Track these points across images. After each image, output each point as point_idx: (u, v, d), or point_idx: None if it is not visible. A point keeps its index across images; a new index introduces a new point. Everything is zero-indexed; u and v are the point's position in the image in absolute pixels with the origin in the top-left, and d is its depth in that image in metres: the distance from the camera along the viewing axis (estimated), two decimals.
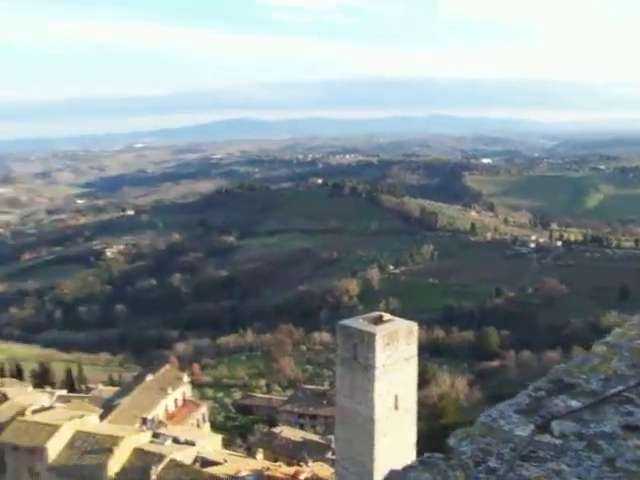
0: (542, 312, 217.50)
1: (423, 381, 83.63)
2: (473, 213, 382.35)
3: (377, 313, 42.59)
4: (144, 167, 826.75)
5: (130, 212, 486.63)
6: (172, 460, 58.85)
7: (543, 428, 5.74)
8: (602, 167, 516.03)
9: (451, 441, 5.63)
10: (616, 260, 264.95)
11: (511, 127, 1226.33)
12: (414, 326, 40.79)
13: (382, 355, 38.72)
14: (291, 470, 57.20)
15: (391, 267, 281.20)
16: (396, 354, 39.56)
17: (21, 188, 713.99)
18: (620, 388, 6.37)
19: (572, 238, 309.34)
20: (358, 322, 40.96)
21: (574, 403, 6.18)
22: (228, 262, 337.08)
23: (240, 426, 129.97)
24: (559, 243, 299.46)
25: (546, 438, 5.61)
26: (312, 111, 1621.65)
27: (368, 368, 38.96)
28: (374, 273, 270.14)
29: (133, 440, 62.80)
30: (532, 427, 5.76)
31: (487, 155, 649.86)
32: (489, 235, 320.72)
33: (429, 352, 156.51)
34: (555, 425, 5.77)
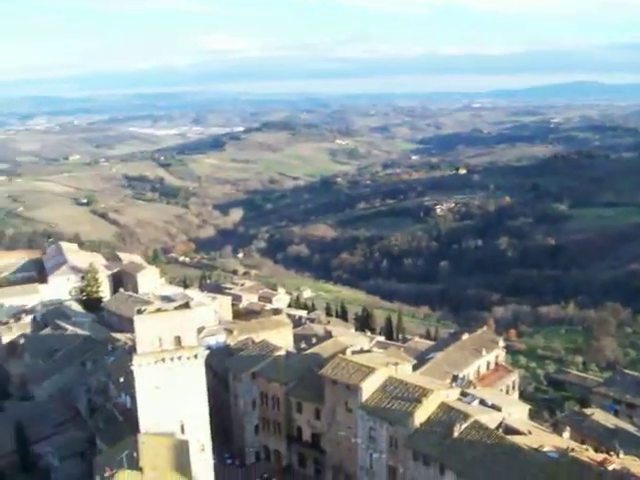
0: None
1: None
2: None
3: None
4: (480, 127, 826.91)
5: (462, 171, 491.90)
6: (476, 421, 59.61)
7: None
8: None
9: None
10: None
11: None
12: None
13: None
14: (598, 457, 54.17)
15: None
16: None
17: (360, 141, 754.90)
18: None
19: None
20: None
21: None
22: (557, 230, 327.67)
23: (549, 400, 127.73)
24: None
25: None
26: None
27: None
28: None
29: (442, 395, 64.70)
30: None
31: None
32: None
33: None
34: None
